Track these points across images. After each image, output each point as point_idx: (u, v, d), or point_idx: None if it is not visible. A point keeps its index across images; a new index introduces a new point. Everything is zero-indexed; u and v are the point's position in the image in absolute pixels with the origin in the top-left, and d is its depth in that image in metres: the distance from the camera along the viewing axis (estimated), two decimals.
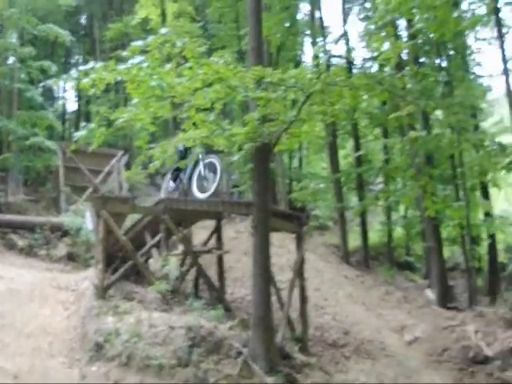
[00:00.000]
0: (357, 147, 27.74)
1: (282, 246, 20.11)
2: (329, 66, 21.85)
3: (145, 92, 11.40)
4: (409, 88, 15.59)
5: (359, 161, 27.37)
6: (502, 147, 13.67)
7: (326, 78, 11.16)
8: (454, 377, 16.34)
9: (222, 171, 15.38)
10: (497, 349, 17.43)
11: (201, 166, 15.33)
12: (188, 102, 11.64)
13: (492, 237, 26.12)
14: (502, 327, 18.90)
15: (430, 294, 22.70)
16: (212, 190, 14.88)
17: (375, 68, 27.26)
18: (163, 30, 11.49)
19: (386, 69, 23.46)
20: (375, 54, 21.99)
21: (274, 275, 14.55)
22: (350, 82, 11.58)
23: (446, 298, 22.12)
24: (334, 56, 26.04)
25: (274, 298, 13.89)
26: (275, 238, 16.54)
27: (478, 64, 28.61)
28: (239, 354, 11.97)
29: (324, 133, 26.25)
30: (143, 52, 11.09)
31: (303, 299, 15.49)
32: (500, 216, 27.74)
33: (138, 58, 10.89)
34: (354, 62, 27.39)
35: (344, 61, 26.04)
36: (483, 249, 27.53)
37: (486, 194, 26.70)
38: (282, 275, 17.28)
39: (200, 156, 15.38)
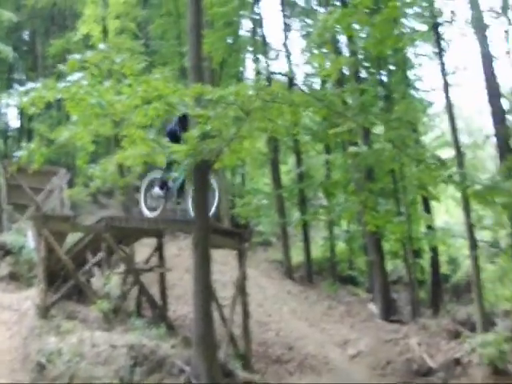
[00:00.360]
0: (299, 163, 27.83)
1: (225, 262, 20.04)
2: (270, 82, 22.05)
3: (84, 110, 11.31)
4: (348, 104, 15.70)
5: (301, 176, 27.44)
6: (441, 161, 13.84)
7: (266, 95, 11.17)
8: None
9: (221, 191, 14.07)
10: (440, 360, 17.65)
11: None
12: (128, 119, 11.58)
13: (434, 249, 26.43)
14: (445, 338, 19.13)
15: (373, 308, 22.83)
16: (212, 211, 13.30)
17: (318, 84, 27.61)
18: (101, 46, 11.44)
19: (328, 84, 23.69)
20: (317, 69, 22.16)
21: (216, 292, 14.54)
22: (290, 98, 11.60)
23: (389, 312, 22.30)
24: (275, 73, 26.26)
25: (217, 315, 13.87)
26: (218, 254, 16.50)
27: (419, 79, 29.03)
28: (181, 372, 11.94)
29: (266, 149, 26.35)
30: (83, 69, 11.01)
31: (246, 315, 15.49)
32: (442, 228, 28.08)
33: (76, 75, 10.80)
34: (296, 78, 27.60)
35: (284, 77, 26.25)
36: (426, 261, 27.81)
37: (427, 208, 27.01)
38: (225, 292, 17.22)
39: None
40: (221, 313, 14.95)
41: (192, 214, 13.54)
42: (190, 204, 13.73)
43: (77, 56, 10.96)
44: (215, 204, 13.32)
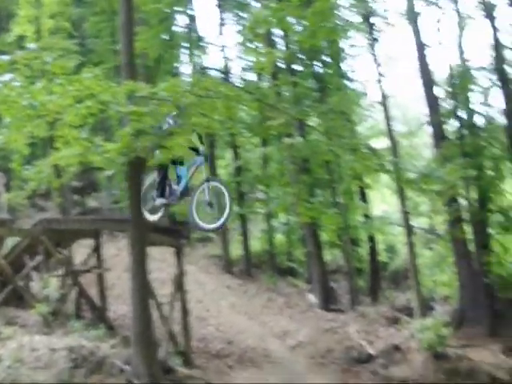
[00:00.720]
0: (236, 157, 27.85)
1: (164, 260, 20.00)
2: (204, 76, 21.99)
3: (17, 112, 11.12)
4: (282, 96, 15.76)
5: (239, 170, 27.46)
6: (373, 150, 14.07)
7: (199, 91, 11.14)
8: (338, 377, 16.66)
9: (231, 200, 11.03)
10: (380, 347, 17.96)
11: (204, 189, 11.13)
12: (61, 119, 11.45)
13: (371, 238, 26.77)
14: (384, 325, 19.49)
15: (312, 298, 23.02)
16: (222, 220, 10.71)
17: (253, 77, 27.67)
18: (31, 46, 11.29)
19: (264, 78, 23.72)
20: (252, 63, 22.18)
21: (154, 290, 14.49)
22: (223, 93, 11.56)
23: (328, 301, 22.54)
24: (209, 68, 26.25)
25: (156, 313, 13.85)
26: (156, 252, 16.52)
27: (353, 70, 29.38)
28: (122, 371, 11.90)
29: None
30: (14, 70, 10.85)
31: (185, 312, 15.57)
32: (379, 217, 28.44)
33: (7, 76, 10.65)
34: (231, 73, 27.64)
35: (219, 72, 26.26)
36: (364, 250, 28.10)
37: (364, 197, 27.31)
38: (164, 289, 17.17)
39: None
40: (160, 310, 14.91)
41: (199, 223, 11.22)
42: (195, 214, 11.17)
43: (5, 57, 10.79)
44: (225, 215, 10.71)
